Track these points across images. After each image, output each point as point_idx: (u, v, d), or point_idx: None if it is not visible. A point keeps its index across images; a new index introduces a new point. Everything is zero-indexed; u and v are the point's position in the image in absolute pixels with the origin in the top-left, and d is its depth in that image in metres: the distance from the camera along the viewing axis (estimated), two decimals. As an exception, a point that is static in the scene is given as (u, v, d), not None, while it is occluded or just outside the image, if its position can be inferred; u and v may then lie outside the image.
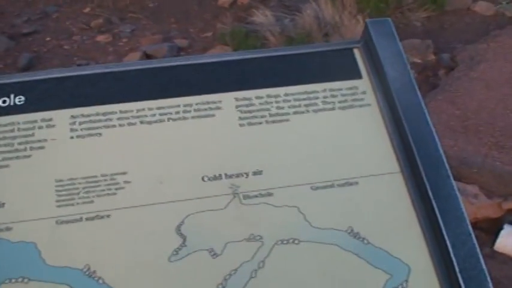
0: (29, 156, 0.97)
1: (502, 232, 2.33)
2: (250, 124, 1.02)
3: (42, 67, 3.69)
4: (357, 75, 1.08)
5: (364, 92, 1.06)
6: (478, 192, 2.46)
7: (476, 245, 0.91)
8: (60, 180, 0.94)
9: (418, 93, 1.03)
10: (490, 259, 2.24)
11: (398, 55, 1.06)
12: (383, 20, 1.11)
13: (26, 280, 0.87)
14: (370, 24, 1.10)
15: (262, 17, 3.73)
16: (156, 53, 3.69)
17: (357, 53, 1.10)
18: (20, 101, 1.01)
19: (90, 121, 1.00)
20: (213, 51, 3.69)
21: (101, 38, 4.01)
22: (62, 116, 1.00)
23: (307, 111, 1.04)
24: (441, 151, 0.98)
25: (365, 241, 0.92)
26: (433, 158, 0.97)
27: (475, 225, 2.33)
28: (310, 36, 3.50)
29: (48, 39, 4.04)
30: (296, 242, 0.92)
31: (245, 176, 0.97)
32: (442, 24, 4.00)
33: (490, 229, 2.38)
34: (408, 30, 3.78)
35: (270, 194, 0.95)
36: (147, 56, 3.67)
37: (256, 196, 0.95)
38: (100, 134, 0.99)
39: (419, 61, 3.47)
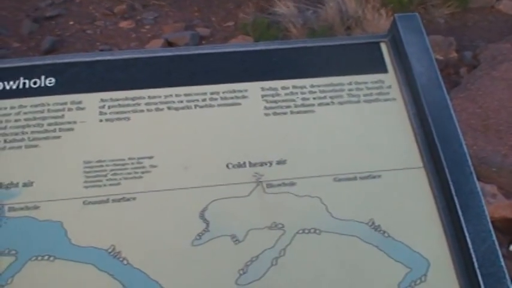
0: (58, 137, 0.98)
1: (519, 233, 2.32)
2: (275, 114, 1.03)
3: (65, 51, 3.71)
4: (383, 69, 1.08)
5: (389, 86, 1.07)
6: (496, 192, 2.44)
7: (496, 242, 0.91)
8: (89, 162, 0.96)
9: (444, 89, 1.03)
10: (506, 259, 2.23)
11: (425, 50, 1.07)
12: (411, 15, 1.11)
13: (51, 258, 0.89)
14: (398, 18, 1.10)
15: (284, 8, 3.72)
16: (178, 41, 3.69)
17: (383, 47, 1.11)
18: (50, 83, 1.03)
19: (119, 105, 1.01)
20: (234, 40, 3.69)
21: (123, 24, 4.02)
22: (91, 99, 1.02)
23: (333, 103, 1.04)
24: (465, 148, 0.98)
25: (386, 234, 0.93)
26: (456, 154, 0.97)
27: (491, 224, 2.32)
28: (332, 29, 3.49)
29: (71, 23, 4.06)
30: (317, 232, 0.93)
31: (269, 164, 0.98)
32: (465, 21, 3.97)
33: (506, 229, 2.37)
34: (431, 27, 3.75)
35: (293, 184, 0.96)
36: (169, 44, 3.68)
37: (279, 185, 0.96)
38: (128, 118, 1.01)
39: (441, 58, 3.45)
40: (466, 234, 0.91)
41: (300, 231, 0.93)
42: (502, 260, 0.90)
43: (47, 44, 3.74)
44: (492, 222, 2.28)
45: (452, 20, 3.94)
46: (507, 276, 0.89)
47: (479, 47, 3.58)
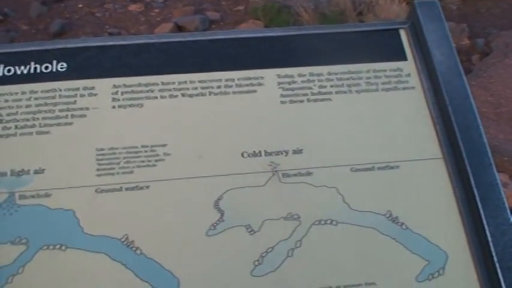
0: (70, 123, 0.97)
1: (530, 222, 2.30)
2: (291, 102, 1.01)
3: (74, 34, 3.69)
4: (402, 57, 1.06)
5: (408, 75, 1.04)
6: (507, 181, 2.43)
7: (516, 236, 0.90)
8: (101, 149, 0.94)
9: (464, 77, 1.01)
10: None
11: (445, 38, 1.05)
12: (431, 2, 1.09)
13: (63, 247, 0.87)
14: (417, 5, 1.07)
15: (295, -8, 3.69)
16: (187, 25, 3.67)
17: (403, 34, 1.08)
18: (62, 68, 1.01)
19: (132, 91, 1.00)
20: (244, 25, 3.66)
21: (133, 7, 4.00)
22: (104, 85, 1.00)
23: (350, 91, 1.02)
24: (485, 138, 0.96)
25: (403, 226, 0.91)
26: (476, 145, 0.95)
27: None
28: (343, 14, 3.46)
29: (80, 6, 4.04)
30: (334, 223, 0.91)
31: (285, 154, 0.96)
32: (477, 8, 3.93)
33: (518, 219, 2.36)
34: (443, 13, 3.71)
35: (309, 174, 0.95)
36: (179, 28, 3.66)
37: (295, 175, 0.95)
38: (141, 105, 0.99)
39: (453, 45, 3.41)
40: (486, 226, 0.89)
41: (316, 222, 0.91)
42: (522, 253, 0.88)
43: (55, 27, 3.72)
44: (505, 212, 2.25)
45: (465, 7, 3.90)
46: (527, 270, 0.88)
47: (491, 34, 3.54)
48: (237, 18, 3.88)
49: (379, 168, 0.96)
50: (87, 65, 1.02)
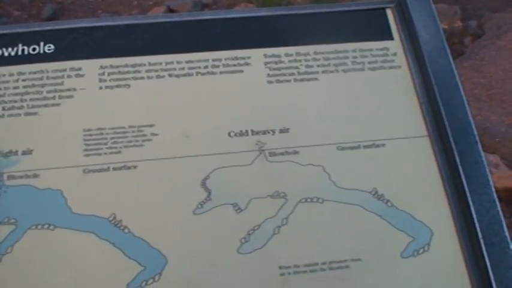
0: (57, 104, 0.97)
1: (521, 203, 2.32)
2: (278, 81, 1.01)
3: (66, 19, 3.67)
4: (389, 36, 1.06)
5: (394, 54, 1.05)
6: (498, 162, 2.43)
7: (500, 212, 0.91)
8: (89, 130, 0.95)
9: (450, 57, 1.01)
10: (508, 229, 2.23)
11: (431, 17, 1.05)
12: (417, -19, 1.09)
13: (52, 227, 0.88)
14: (404, -16, 1.08)
15: (288, -25, 3.67)
16: (180, 9, 3.65)
17: (389, 14, 1.09)
18: (49, 49, 1.01)
19: (119, 72, 1.00)
20: (237, 8, 3.65)
21: (125, -9, 3.98)
22: (91, 66, 1.00)
23: (337, 70, 1.03)
24: (470, 117, 0.97)
25: (389, 203, 0.92)
26: (461, 123, 0.96)
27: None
28: (336, -3, 3.45)
29: (72, -10, 4.02)
30: (320, 201, 0.92)
31: (272, 133, 0.97)
32: (470, -10, 3.92)
33: (508, 199, 2.37)
34: (436, -4, 3.71)
35: (295, 152, 0.95)
36: (171, 11, 3.64)
37: (282, 154, 0.95)
38: (128, 86, 0.99)
39: (445, 27, 3.41)
40: (470, 203, 0.90)
41: (303, 200, 0.92)
42: (506, 230, 0.89)
43: (48, 12, 3.69)
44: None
45: (458, -11, 3.89)
46: (511, 246, 0.89)
47: (484, 17, 3.54)
48: (230, 2, 3.86)
49: (365, 147, 0.97)
50: (74, 46, 1.02)
